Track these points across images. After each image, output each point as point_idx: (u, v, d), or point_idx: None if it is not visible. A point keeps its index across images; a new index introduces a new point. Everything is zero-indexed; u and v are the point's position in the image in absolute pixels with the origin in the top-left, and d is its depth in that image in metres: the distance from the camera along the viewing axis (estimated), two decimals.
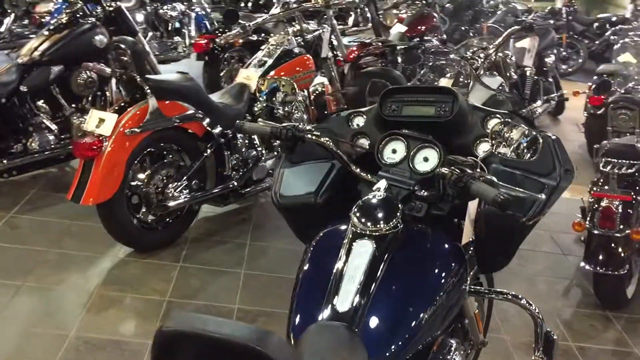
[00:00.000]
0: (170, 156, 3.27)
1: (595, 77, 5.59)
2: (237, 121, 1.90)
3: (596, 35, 9.55)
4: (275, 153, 3.79)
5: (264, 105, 3.69)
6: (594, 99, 5.28)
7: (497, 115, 1.82)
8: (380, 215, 1.57)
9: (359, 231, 1.56)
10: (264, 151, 3.69)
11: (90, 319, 2.73)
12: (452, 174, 1.54)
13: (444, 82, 3.93)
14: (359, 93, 3.18)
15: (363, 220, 1.56)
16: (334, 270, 1.54)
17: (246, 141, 3.61)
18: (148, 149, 3.13)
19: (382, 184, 1.66)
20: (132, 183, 3.11)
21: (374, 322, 1.47)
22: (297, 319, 1.53)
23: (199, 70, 5.42)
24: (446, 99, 1.82)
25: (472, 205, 1.72)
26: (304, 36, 4.13)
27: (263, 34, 4.80)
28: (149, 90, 3.01)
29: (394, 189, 1.70)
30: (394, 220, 1.56)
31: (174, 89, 3.18)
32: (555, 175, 1.69)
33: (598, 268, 3.04)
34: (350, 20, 9.00)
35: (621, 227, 3.00)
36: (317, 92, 4.08)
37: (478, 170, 1.59)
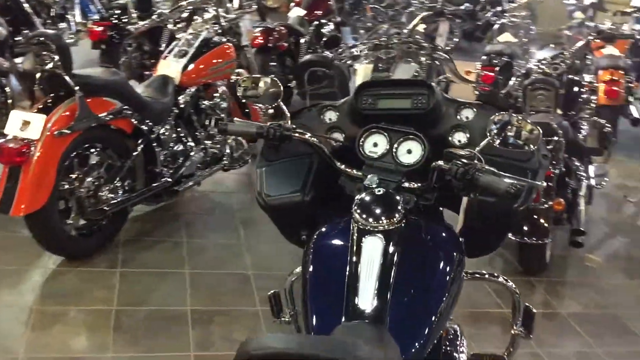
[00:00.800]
0: (99, 157, 3.07)
1: (484, 57, 5.99)
2: (220, 122, 1.84)
3: (468, 15, 10.14)
4: (202, 147, 3.69)
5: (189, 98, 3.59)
6: (487, 77, 5.66)
7: (470, 106, 1.90)
8: (384, 210, 1.59)
9: (366, 228, 1.58)
10: (192, 145, 3.58)
11: (37, 338, 2.52)
12: (458, 168, 1.59)
13: (361, 67, 4.02)
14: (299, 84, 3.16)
15: (368, 216, 1.58)
16: (347, 269, 1.55)
17: (174, 135, 3.48)
18: (77, 151, 2.91)
19: (373, 179, 1.68)
20: (62, 188, 2.89)
21: (398, 317, 1.50)
22: (319, 323, 1.52)
23: (90, 58, 5.10)
24: (421, 91, 1.86)
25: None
26: (220, 23, 4.01)
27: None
28: (76, 88, 2.80)
29: (382, 182, 1.71)
30: (398, 214, 1.59)
31: (102, 85, 2.97)
32: (534, 160, 1.80)
33: (525, 238, 3.30)
34: (236, 2, 8.85)
35: (543, 199, 3.27)
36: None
37: (476, 162, 1.65)
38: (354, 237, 1.59)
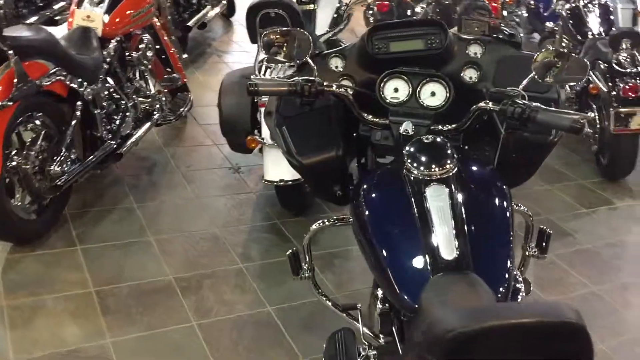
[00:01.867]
0: (40, 127, 2.73)
1: None
2: (249, 82, 1.68)
3: None
4: (132, 103, 3.39)
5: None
6: (381, 5, 5.70)
7: (479, 42, 1.94)
8: (439, 157, 1.59)
9: (426, 178, 1.57)
10: (125, 102, 3.28)
11: (22, 335, 2.28)
12: (515, 108, 1.63)
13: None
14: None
15: (425, 166, 1.58)
16: (416, 222, 1.53)
17: (106, 94, 3.16)
18: (18, 123, 2.57)
19: (409, 125, 1.67)
20: (8, 166, 2.55)
21: (482, 262, 1.51)
22: (408, 281, 1.49)
23: None
24: (433, 30, 1.86)
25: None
26: None
27: None
28: (10, 51, 2.43)
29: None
30: (452, 159, 1.61)
31: (37, 46, 2.60)
32: (553, 90, 1.90)
33: None
34: None
35: None
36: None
37: (520, 100, 1.69)
38: (414, 189, 1.57)
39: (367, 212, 1.61)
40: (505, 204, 1.69)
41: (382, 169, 1.77)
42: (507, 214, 1.67)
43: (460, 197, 1.59)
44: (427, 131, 1.72)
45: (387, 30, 1.85)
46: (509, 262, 1.57)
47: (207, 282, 2.71)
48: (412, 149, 1.61)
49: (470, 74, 1.89)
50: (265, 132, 2.86)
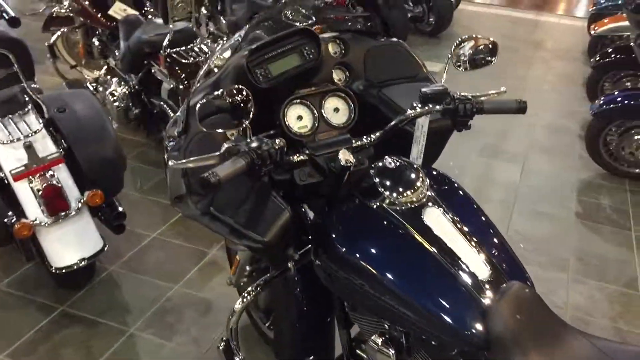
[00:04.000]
0: None
1: None
2: (206, 177, 1.29)
3: None
4: None
5: None
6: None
7: (336, 40, 1.86)
8: (415, 177, 1.57)
9: (417, 204, 1.54)
10: None
11: None
12: (465, 104, 1.67)
13: None
14: None
15: (411, 190, 1.54)
16: (433, 252, 1.47)
17: None
18: None
19: (344, 154, 1.56)
20: None
21: (504, 265, 1.50)
22: (462, 316, 1.39)
23: None
24: (303, 40, 1.74)
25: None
26: None
27: None
28: None
29: (333, 151, 1.60)
30: (424, 175, 1.59)
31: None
32: (423, 72, 1.92)
33: None
34: None
35: None
36: None
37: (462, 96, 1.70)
38: (409, 219, 1.51)
39: (369, 265, 1.48)
40: (471, 199, 1.69)
41: (339, 212, 1.62)
42: (478, 205, 1.68)
43: (449, 208, 1.61)
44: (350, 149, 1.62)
45: (262, 52, 1.68)
46: (511, 250, 1.58)
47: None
48: (386, 182, 1.56)
49: (339, 76, 1.84)
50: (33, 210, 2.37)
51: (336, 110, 1.74)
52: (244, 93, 1.44)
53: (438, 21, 7.07)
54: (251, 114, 1.44)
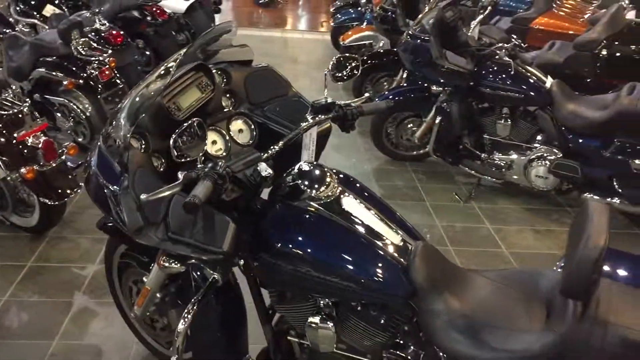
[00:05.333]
0: None
1: None
2: (189, 201, 1.52)
3: None
4: None
5: None
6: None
7: (218, 71, 2.14)
8: (326, 174, 1.90)
9: (335, 196, 1.86)
10: None
11: None
12: (352, 111, 2.07)
13: None
14: None
15: (327, 186, 1.86)
16: (360, 231, 1.81)
17: None
18: None
19: (264, 167, 1.80)
20: None
21: (408, 234, 1.91)
22: (393, 274, 1.76)
23: None
24: (197, 74, 1.98)
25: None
26: None
27: None
28: None
29: (254, 167, 1.82)
30: (333, 174, 1.95)
31: None
32: (292, 90, 2.26)
33: None
34: None
35: None
36: None
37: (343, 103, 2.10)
38: (334, 209, 1.82)
39: (307, 250, 1.77)
40: (365, 185, 2.06)
41: (270, 216, 1.86)
42: (370, 190, 2.06)
43: (358, 196, 1.97)
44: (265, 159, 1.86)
45: (169, 89, 1.87)
46: (404, 218, 1.99)
47: None
48: (306, 181, 1.84)
49: (225, 103, 2.12)
50: None
51: (240, 131, 1.99)
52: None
53: None
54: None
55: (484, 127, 4.33)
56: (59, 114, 4.44)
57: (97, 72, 4.25)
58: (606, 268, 1.80)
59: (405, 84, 4.81)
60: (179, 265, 1.97)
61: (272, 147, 1.94)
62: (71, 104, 4.35)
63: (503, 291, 1.90)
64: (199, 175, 1.63)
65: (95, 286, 3.09)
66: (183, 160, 1.71)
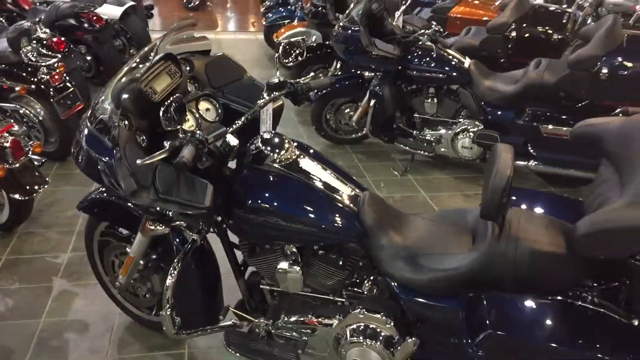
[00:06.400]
0: None
1: None
2: (180, 160, 1.90)
3: None
4: None
5: None
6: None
7: (183, 61, 2.46)
8: (285, 140, 2.28)
9: (294, 158, 2.24)
10: None
11: None
12: (303, 86, 2.45)
13: None
14: None
15: (286, 150, 2.23)
16: (318, 185, 2.20)
17: None
18: None
19: (232, 138, 2.15)
20: None
21: (356, 185, 2.34)
22: (349, 217, 2.17)
23: None
24: (165, 63, 2.27)
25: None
26: None
27: None
28: None
29: (223, 139, 2.16)
30: (290, 140, 2.35)
31: None
32: (247, 74, 2.65)
33: None
34: None
35: None
36: None
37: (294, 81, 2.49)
38: (294, 168, 2.19)
39: (276, 204, 2.14)
40: (313, 148, 2.42)
41: (241, 179, 2.21)
42: (318, 150, 2.44)
43: (312, 157, 2.34)
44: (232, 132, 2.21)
45: (144, 76, 2.13)
46: (349, 172, 2.42)
47: None
48: (268, 147, 2.22)
49: (190, 88, 2.45)
50: None
51: (207, 110, 2.33)
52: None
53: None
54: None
55: (414, 107, 4.80)
56: (11, 120, 4.59)
57: (48, 77, 4.44)
58: (516, 200, 2.24)
59: (339, 73, 5.21)
60: (163, 227, 2.29)
61: (236, 122, 2.28)
62: (23, 109, 4.52)
63: (437, 226, 2.32)
64: (182, 142, 1.97)
65: (71, 272, 3.33)
66: (170, 129, 2.02)
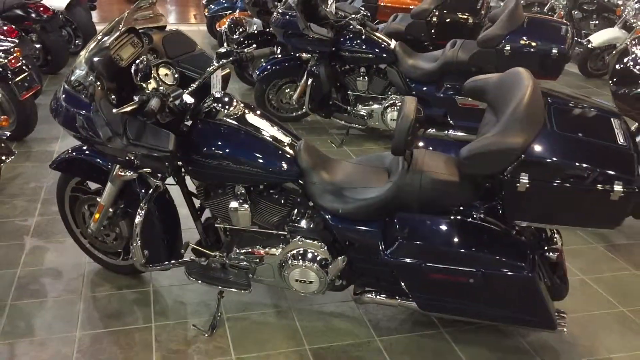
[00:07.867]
0: None
1: None
2: (149, 109, 2.34)
3: None
4: None
5: None
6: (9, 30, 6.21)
7: (143, 34, 2.96)
8: (233, 97, 2.78)
9: (241, 113, 2.72)
10: None
11: None
12: (244, 55, 2.91)
13: None
14: None
15: (235, 106, 2.72)
16: (263, 135, 2.69)
17: None
18: None
19: (188, 98, 2.69)
20: None
21: (292, 135, 2.84)
22: (288, 162, 2.66)
23: None
24: (128, 35, 2.71)
25: None
26: None
27: None
28: None
29: (180, 99, 2.64)
30: (236, 98, 2.83)
31: None
32: (198, 47, 3.16)
33: None
34: None
35: None
36: None
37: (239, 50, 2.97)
38: (243, 122, 2.68)
39: (228, 150, 2.60)
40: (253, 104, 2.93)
41: (199, 131, 2.66)
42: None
43: (255, 112, 2.82)
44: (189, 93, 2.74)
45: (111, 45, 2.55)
46: (285, 126, 2.91)
47: None
48: (219, 105, 2.69)
49: (149, 57, 2.80)
50: None
51: (166, 75, 2.76)
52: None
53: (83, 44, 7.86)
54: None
55: (348, 85, 5.33)
56: None
57: (5, 61, 4.74)
58: (423, 144, 2.78)
59: (279, 55, 5.68)
60: (131, 173, 2.73)
61: (191, 85, 2.73)
62: None
63: (360, 167, 2.84)
64: (149, 96, 2.41)
65: (40, 232, 3.70)
66: (140, 82, 2.44)
